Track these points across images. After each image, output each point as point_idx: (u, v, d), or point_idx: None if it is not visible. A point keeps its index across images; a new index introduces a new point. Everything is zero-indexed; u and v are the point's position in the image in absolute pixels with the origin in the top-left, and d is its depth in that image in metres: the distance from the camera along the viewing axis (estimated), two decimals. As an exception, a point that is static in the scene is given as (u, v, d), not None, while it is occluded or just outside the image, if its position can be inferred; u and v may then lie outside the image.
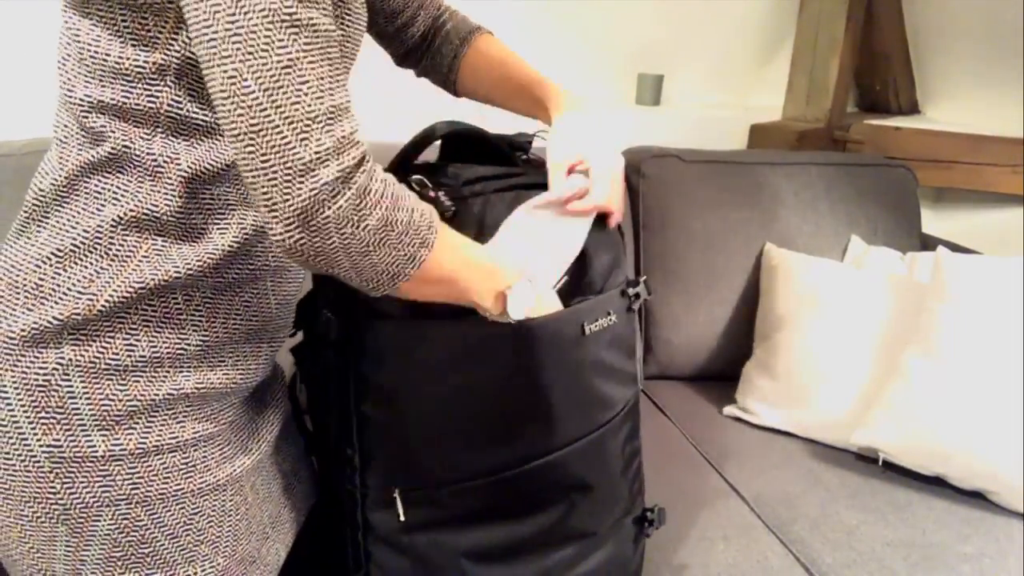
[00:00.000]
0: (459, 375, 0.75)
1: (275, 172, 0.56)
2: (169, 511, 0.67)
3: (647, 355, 1.62)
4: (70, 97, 0.62)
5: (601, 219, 0.84)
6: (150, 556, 0.67)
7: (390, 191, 0.61)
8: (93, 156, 0.62)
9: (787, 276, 1.48)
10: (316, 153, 0.55)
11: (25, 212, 0.65)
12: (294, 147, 0.55)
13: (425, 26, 0.92)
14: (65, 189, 0.63)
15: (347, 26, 0.65)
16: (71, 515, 0.64)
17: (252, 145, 0.55)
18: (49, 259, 0.62)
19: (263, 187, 0.56)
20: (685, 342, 1.59)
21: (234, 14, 0.52)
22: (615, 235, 0.88)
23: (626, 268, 0.91)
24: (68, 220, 0.62)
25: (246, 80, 0.54)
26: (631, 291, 0.86)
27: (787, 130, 2.01)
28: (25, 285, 0.62)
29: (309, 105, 0.55)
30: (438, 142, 0.91)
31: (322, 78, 0.55)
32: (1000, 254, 1.34)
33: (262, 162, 0.55)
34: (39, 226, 0.63)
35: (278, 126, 0.54)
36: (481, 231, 0.79)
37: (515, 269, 0.72)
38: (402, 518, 0.78)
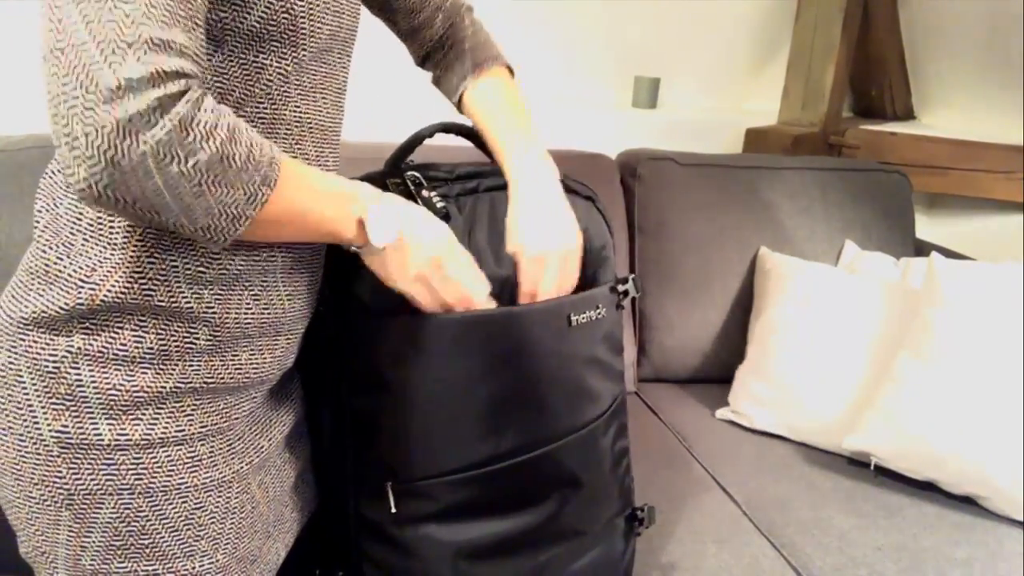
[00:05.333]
0: (448, 366, 0.75)
1: (75, 96, 0.49)
2: (172, 504, 0.66)
3: (641, 357, 1.62)
4: None
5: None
6: (149, 547, 0.67)
7: (225, 122, 0.54)
8: None
9: (781, 280, 1.48)
10: (126, 79, 0.49)
11: (37, 200, 0.65)
12: (100, 67, 0.48)
13: (443, 29, 0.88)
14: (63, 181, 0.63)
15: None
16: (75, 501, 0.64)
17: (55, 65, 0.49)
18: (56, 247, 0.62)
19: (63, 117, 0.49)
20: (679, 345, 1.59)
21: None
22: (604, 231, 0.88)
23: (615, 267, 0.91)
24: (73, 208, 0.63)
25: None
26: (620, 288, 0.87)
27: (782, 134, 2.01)
28: (35, 271, 0.63)
29: (126, 28, 0.49)
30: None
31: (153, 6, 0.50)
32: (993, 260, 1.34)
33: (62, 85, 0.49)
34: (48, 214, 0.64)
35: (85, 42, 0.49)
36: (472, 228, 0.79)
37: (373, 193, 0.68)
38: (393, 510, 0.78)
